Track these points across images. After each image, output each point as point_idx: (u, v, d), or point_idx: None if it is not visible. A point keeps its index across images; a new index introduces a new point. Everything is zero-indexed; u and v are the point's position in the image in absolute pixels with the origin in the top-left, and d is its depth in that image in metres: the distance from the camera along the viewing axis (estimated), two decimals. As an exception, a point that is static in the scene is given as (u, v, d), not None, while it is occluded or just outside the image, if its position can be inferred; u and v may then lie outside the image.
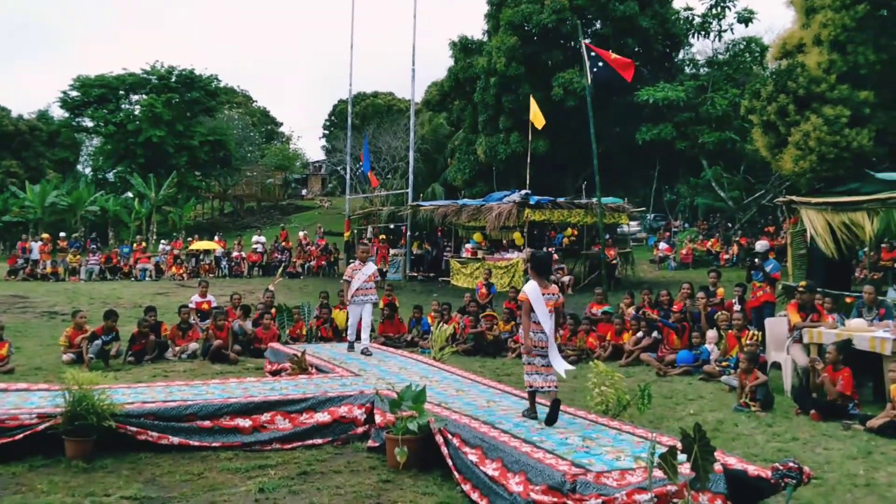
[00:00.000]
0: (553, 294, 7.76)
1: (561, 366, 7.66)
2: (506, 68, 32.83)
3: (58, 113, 60.85)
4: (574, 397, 9.83)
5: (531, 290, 7.66)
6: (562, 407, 7.60)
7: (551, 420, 7.28)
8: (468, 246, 25.95)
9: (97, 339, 13.01)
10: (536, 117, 24.31)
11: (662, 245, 31.87)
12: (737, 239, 30.60)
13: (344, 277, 12.50)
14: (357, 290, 12.24)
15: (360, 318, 12.42)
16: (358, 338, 12.48)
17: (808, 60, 21.55)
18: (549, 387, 7.58)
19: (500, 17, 34.84)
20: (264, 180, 67.28)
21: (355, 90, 36.48)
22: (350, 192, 36.03)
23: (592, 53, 21.28)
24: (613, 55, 21.08)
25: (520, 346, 13.94)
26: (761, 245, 15.00)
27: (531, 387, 7.64)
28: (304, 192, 75.43)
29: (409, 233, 29.07)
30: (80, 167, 66.36)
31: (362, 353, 12.09)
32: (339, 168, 59.37)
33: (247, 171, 65.41)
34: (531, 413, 7.63)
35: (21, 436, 7.32)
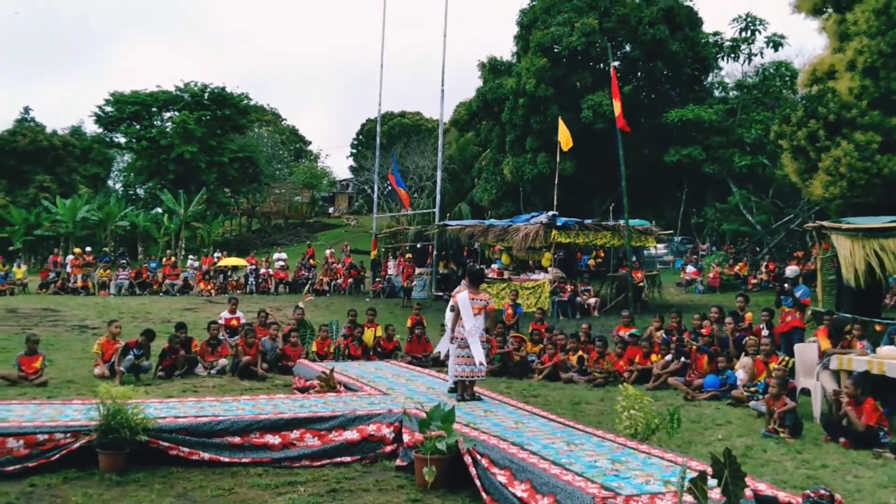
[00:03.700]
0: (482, 300, 10.24)
1: (479, 354, 9.87)
2: (535, 89, 32.96)
3: (90, 129, 61.84)
4: (602, 420, 9.83)
5: (461, 296, 10.17)
6: (590, 429, 8.19)
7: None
8: (494, 266, 25.95)
9: (129, 351, 13.17)
10: (564, 138, 24.40)
11: (690, 268, 31.68)
12: (765, 263, 30.39)
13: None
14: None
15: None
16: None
17: (839, 86, 21.49)
18: (476, 376, 10.02)
19: (530, 39, 35.05)
20: (292, 198, 67.78)
21: (383, 109, 36.67)
22: (377, 210, 36.20)
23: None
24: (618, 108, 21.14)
25: (546, 367, 14.19)
26: (791, 270, 14.90)
27: (458, 376, 10.02)
28: (330, 210, 75.85)
29: (435, 252, 29.14)
30: (110, 183, 67.25)
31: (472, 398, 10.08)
32: (366, 186, 59.71)
33: (275, 189, 65.95)
34: (464, 396, 9.87)
35: (57, 456, 7.47)
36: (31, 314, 21.55)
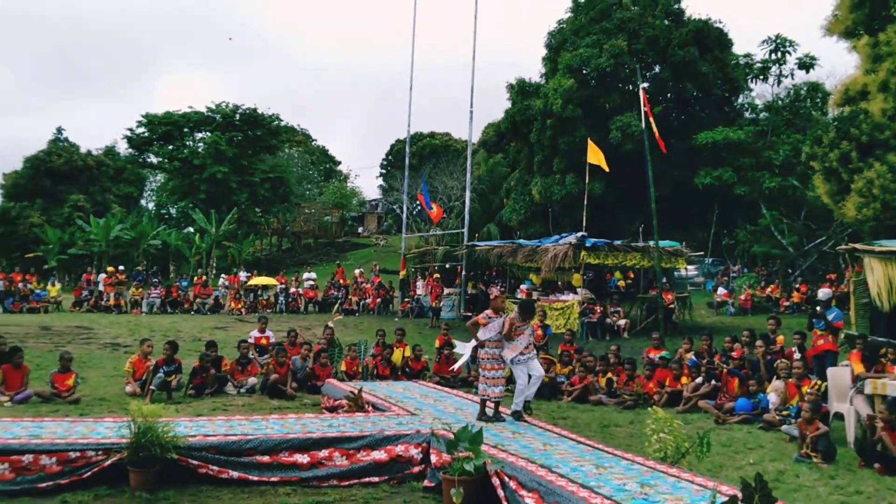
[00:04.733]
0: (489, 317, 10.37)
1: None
2: (562, 110, 32.94)
3: (124, 149, 62.65)
4: (632, 443, 9.75)
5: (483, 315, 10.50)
6: (619, 452, 8.11)
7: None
8: (523, 287, 25.90)
9: (159, 370, 13.30)
10: (600, 161, 24.38)
11: (721, 290, 31.44)
12: (797, 286, 30.06)
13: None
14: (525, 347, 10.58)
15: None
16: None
17: (871, 107, 21.29)
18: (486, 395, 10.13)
19: (559, 60, 35.08)
20: (322, 217, 68.22)
21: (413, 130, 36.93)
22: (406, 230, 36.32)
23: (644, 109, 21.52)
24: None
25: (575, 389, 14.05)
26: (824, 293, 14.73)
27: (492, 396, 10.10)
28: (360, 229, 76.20)
29: (464, 272, 29.14)
30: (143, 202, 68.11)
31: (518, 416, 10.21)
32: (395, 207, 59.97)
33: (305, 209, 66.43)
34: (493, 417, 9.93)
35: (89, 473, 7.56)
36: (64, 332, 21.82)
